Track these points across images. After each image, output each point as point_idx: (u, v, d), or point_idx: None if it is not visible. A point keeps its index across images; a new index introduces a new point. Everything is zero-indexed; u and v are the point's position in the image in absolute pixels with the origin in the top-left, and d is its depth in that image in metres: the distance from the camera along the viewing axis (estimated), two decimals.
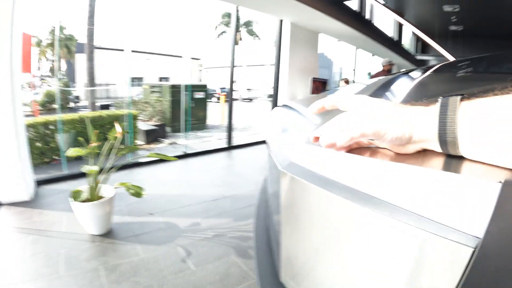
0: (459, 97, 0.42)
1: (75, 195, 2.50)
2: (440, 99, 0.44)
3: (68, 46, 27.18)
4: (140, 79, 28.09)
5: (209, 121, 11.56)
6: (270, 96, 7.98)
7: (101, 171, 2.70)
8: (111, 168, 2.75)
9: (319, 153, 0.60)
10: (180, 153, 5.69)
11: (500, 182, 0.32)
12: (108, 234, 2.77)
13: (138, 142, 7.89)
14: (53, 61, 27.16)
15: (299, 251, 0.69)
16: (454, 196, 0.37)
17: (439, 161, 0.44)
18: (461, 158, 0.43)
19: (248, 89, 31.06)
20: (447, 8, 8.68)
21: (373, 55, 12.48)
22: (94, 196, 2.67)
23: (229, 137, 6.36)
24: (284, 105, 1.21)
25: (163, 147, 7.91)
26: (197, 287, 2.13)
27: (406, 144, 0.48)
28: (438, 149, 0.45)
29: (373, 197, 0.47)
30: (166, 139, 8.76)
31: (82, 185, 2.68)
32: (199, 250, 2.57)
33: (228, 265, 2.39)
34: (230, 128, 6.35)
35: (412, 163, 0.44)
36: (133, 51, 28.42)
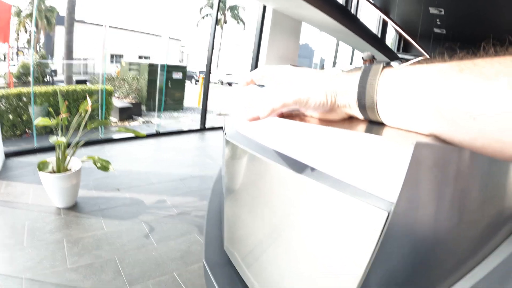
0: (382, 64, 0.42)
1: (42, 166, 2.46)
2: (363, 66, 0.44)
3: (48, 17, 26.34)
4: (120, 56, 27.55)
5: (186, 102, 11.43)
6: None
7: (70, 145, 2.69)
8: (80, 141, 2.73)
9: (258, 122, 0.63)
10: (153, 132, 5.66)
11: (412, 143, 0.33)
12: (73, 208, 2.76)
13: (112, 119, 7.78)
14: (31, 32, 26.31)
15: (238, 218, 0.72)
16: (370, 159, 0.38)
17: (361, 127, 0.45)
18: (382, 125, 0.44)
19: (227, 74, 30.76)
20: (433, 10, 8.78)
21: (353, 49, 12.54)
22: (61, 168, 2.65)
23: (204, 119, 6.33)
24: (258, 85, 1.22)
25: (137, 125, 7.82)
26: (158, 263, 2.16)
27: (331, 111, 0.48)
28: (359, 115, 0.46)
29: (296, 160, 0.50)
30: (140, 117, 8.66)
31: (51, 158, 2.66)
32: (163, 227, 2.59)
33: (190, 242, 2.42)
34: (205, 110, 6.31)
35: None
36: (112, 27, 27.84)
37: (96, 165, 2.59)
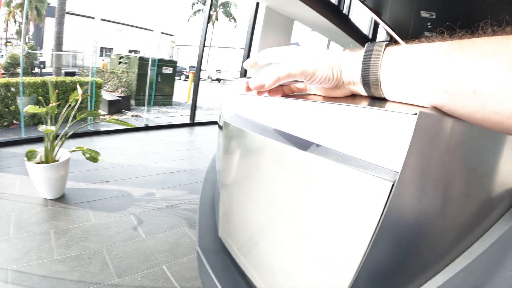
0: (385, 43, 0.44)
1: (30, 155, 2.43)
2: (367, 44, 0.45)
3: (39, 8, 25.97)
4: (110, 49, 27.36)
5: (176, 98, 11.37)
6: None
7: (58, 136, 2.65)
8: (69, 132, 2.69)
9: (257, 103, 0.63)
10: (142, 125, 5.62)
11: (416, 113, 0.34)
12: (61, 199, 2.73)
13: (101, 112, 7.70)
14: (21, 23, 25.90)
15: (234, 203, 0.72)
16: (373, 131, 0.39)
17: (364, 102, 0.46)
18: (385, 100, 0.45)
19: (217, 70, 30.73)
20: (424, 14, 8.84)
21: (344, 49, 12.57)
22: (49, 159, 2.61)
23: (193, 114, 6.30)
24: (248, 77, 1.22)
25: (126, 118, 7.75)
26: (146, 255, 2.14)
27: (335, 87, 0.49)
28: (363, 91, 0.47)
29: (298, 137, 0.50)
30: (129, 111, 8.59)
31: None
32: (151, 220, 2.58)
33: (179, 235, 2.41)
34: (194, 105, 6.29)
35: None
36: (103, 19, 27.60)
37: (85, 156, 2.56)
